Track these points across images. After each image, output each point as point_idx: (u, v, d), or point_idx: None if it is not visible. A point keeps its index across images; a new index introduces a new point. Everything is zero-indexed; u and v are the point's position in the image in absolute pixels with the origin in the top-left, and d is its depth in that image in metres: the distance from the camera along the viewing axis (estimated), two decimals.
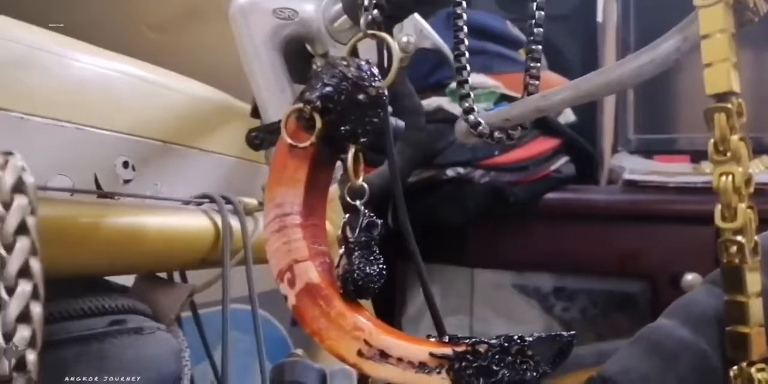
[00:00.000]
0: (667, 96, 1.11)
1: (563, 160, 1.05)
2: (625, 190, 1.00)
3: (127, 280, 0.36)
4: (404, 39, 0.57)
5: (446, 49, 0.57)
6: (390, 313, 1.09)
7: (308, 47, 0.49)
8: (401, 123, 0.72)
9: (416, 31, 0.58)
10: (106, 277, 0.34)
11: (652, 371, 0.26)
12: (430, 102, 1.02)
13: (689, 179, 0.93)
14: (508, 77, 1.05)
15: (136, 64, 0.58)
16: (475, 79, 1.06)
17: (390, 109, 0.85)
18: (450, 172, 0.98)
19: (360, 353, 0.28)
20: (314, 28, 0.48)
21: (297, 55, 0.49)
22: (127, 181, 0.52)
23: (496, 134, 0.35)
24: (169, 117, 0.60)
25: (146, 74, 0.58)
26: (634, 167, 1.01)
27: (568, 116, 1.13)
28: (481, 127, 0.35)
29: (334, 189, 0.59)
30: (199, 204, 0.42)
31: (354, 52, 0.36)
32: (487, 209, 0.97)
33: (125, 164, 0.52)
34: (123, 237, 0.30)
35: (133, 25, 0.81)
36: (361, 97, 0.31)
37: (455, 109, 1.00)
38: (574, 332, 0.28)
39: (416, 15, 0.51)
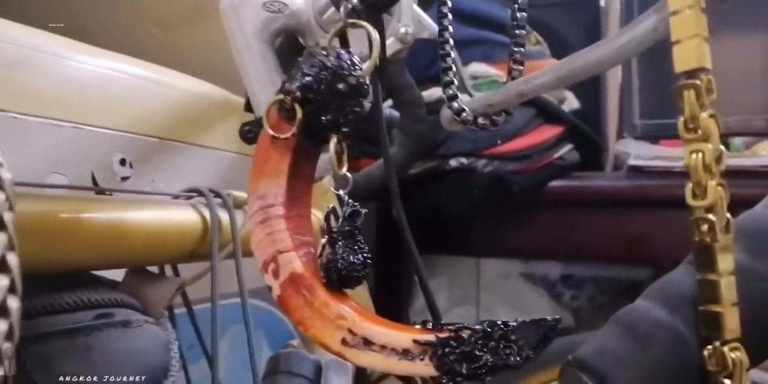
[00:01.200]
0: (673, 79, 1.10)
1: (567, 147, 1.04)
2: (630, 175, 0.99)
3: (118, 276, 0.36)
4: (402, 29, 0.56)
5: None
6: (397, 307, 1.10)
7: (300, 40, 0.49)
8: (395, 113, 0.72)
9: (414, 21, 0.57)
10: (96, 273, 0.34)
11: (627, 352, 0.26)
12: (431, 93, 1.02)
13: None
14: None
15: (131, 61, 0.58)
16: (478, 68, 1.06)
17: (390, 101, 0.84)
18: (453, 163, 0.98)
19: (344, 341, 0.28)
20: (304, 21, 0.47)
21: (290, 48, 0.49)
22: (124, 179, 0.53)
23: (480, 120, 0.35)
24: (165, 114, 0.60)
25: (142, 71, 0.59)
26: (639, 153, 1.00)
27: (572, 103, 1.12)
28: (464, 114, 0.35)
29: (328, 180, 0.59)
30: (189, 198, 0.42)
31: (345, 43, 0.36)
32: (491, 199, 0.97)
33: (122, 161, 0.53)
34: (106, 232, 0.31)
35: (139, 24, 0.81)
36: (341, 86, 0.31)
37: None
38: (558, 317, 0.28)
39: (414, 5, 0.51)
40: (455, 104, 0.35)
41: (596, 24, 1.24)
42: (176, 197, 0.43)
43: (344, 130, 0.32)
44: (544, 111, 1.02)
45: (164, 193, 0.44)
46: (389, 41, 0.49)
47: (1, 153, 0.24)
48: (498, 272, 1.08)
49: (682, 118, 0.22)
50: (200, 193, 0.41)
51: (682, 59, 0.21)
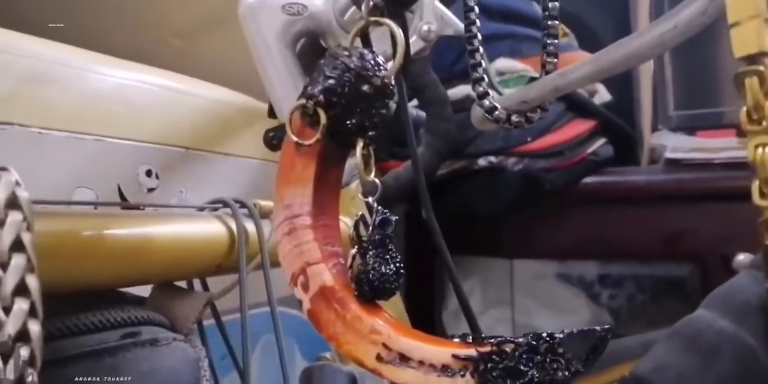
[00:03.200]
0: (708, 67, 1.06)
1: (600, 142, 1.01)
2: (667, 169, 0.96)
3: (145, 292, 0.36)
4: (425, 27, 0.55)
5: None
6: (430, 309, 1.08)
7: (322, 42, 0.48)
8: (422, 113, 0.70)
9: (437, 18, 0.56)
10: (122, 290, 0.33)
11: (690, 368, 0.24)
12: (458, 91, 1.00)
13: (736, 154, 0.88)
14: (537, 60, 1.01)
15: (152, 72, 0.58)
16: (505, 63, 1.04)
17: (415, 100, 0.82)
18: (482, 162, 0.96)
19: (379, 357, 0.27)
20: (325, 22, 0.46)
21: (311, 51, 0.48)
22: (151, 190, 0.52)
23: (514, 118, 0.33)
24: (190, 123, 0.60)
25: (164, 81, 0.58)
26: (676, 145, 0.97)
27: (603, 96, 1.09)
28: (497, 112, 0.33)
29: (355, 185, 0.58)
30: (215, 209, 0.41)
31: (366, 43, 0.35)
32: (522, 198, 0.94)
33: (148, 173, 0.52)
34: (129, 247, 0.30)
35: (157, 34, 0.81)
36: (365, 88, 0.29)
37: None
38: (608, 326, 0.26)
39: (436, 2, 0.50)
40: (486, 102, 0.33)
41: (625, 14, 1.21)
42: (201, 209, 0.42)
43: (370, 133, 0.31)
44: (575, 105, 1.00)
45: (189, 205, 0.43)
46: (412, 39, 0.47)
47: (21, 171, 0.23)
48: (532, 273, 1.05)
49: (744, 109, 0.20)
50: (226, 204, 0.40)
51: (742, 43, 0.19)
